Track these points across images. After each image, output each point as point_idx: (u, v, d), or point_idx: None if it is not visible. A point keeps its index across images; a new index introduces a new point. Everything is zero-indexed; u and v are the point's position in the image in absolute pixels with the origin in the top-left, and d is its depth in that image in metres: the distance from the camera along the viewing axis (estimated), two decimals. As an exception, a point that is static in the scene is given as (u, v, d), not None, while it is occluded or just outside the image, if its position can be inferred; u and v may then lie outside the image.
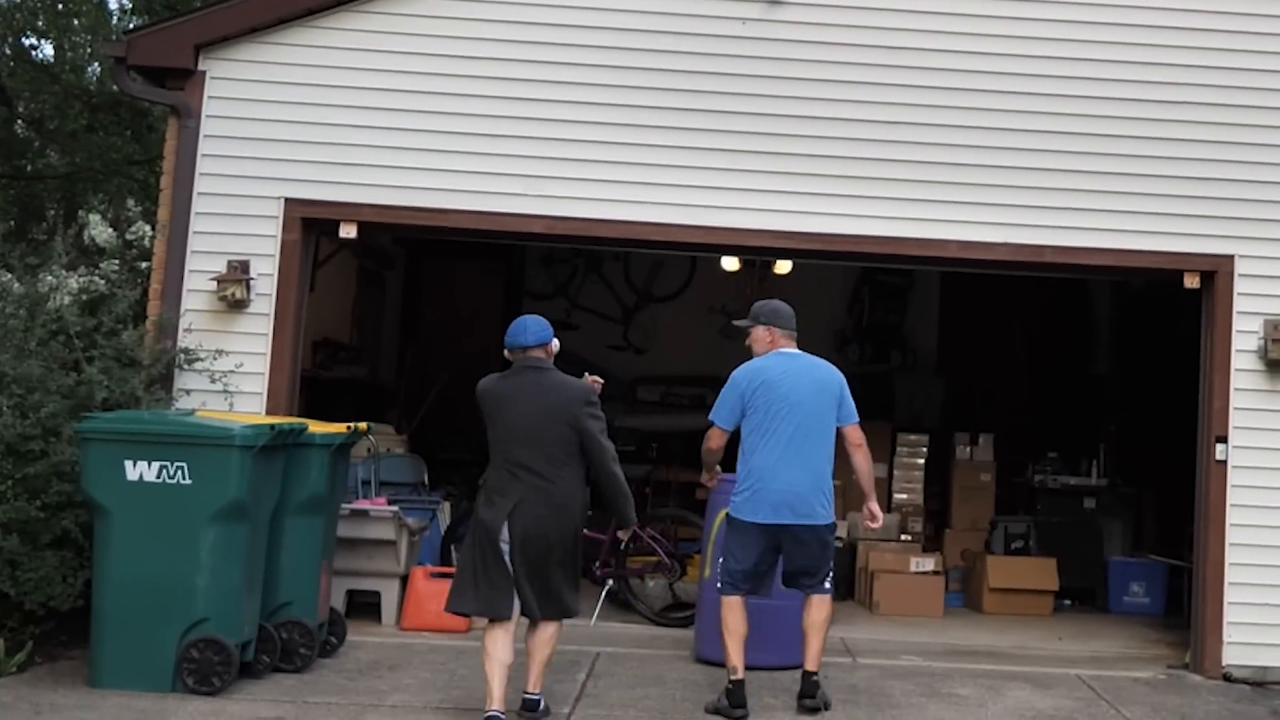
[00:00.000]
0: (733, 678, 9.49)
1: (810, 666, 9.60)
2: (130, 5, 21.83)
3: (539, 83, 11.75)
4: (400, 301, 18.51)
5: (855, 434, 9.80)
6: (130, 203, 13.72)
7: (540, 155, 11.70)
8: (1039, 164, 11.88)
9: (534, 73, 11.77)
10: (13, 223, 21.45)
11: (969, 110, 11.89)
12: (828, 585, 9.70)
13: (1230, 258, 11.88)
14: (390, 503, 12.36)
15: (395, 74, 11.72)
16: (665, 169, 11.74)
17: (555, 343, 9.27)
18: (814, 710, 9.58)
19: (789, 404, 9.57)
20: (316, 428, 10.31)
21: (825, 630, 9.68)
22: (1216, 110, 11.96)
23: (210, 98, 11.59)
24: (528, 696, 8.98)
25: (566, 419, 8.89)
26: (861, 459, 9.85)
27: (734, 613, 9.57)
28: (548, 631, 8.99)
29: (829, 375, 9.83)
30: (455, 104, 11.70)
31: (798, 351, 9.88)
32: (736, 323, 10.33)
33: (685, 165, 11.75)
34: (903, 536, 15.64)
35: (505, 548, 8.79)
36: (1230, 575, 11.68)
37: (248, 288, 11.32)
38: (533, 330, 9.11)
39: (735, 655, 9.50)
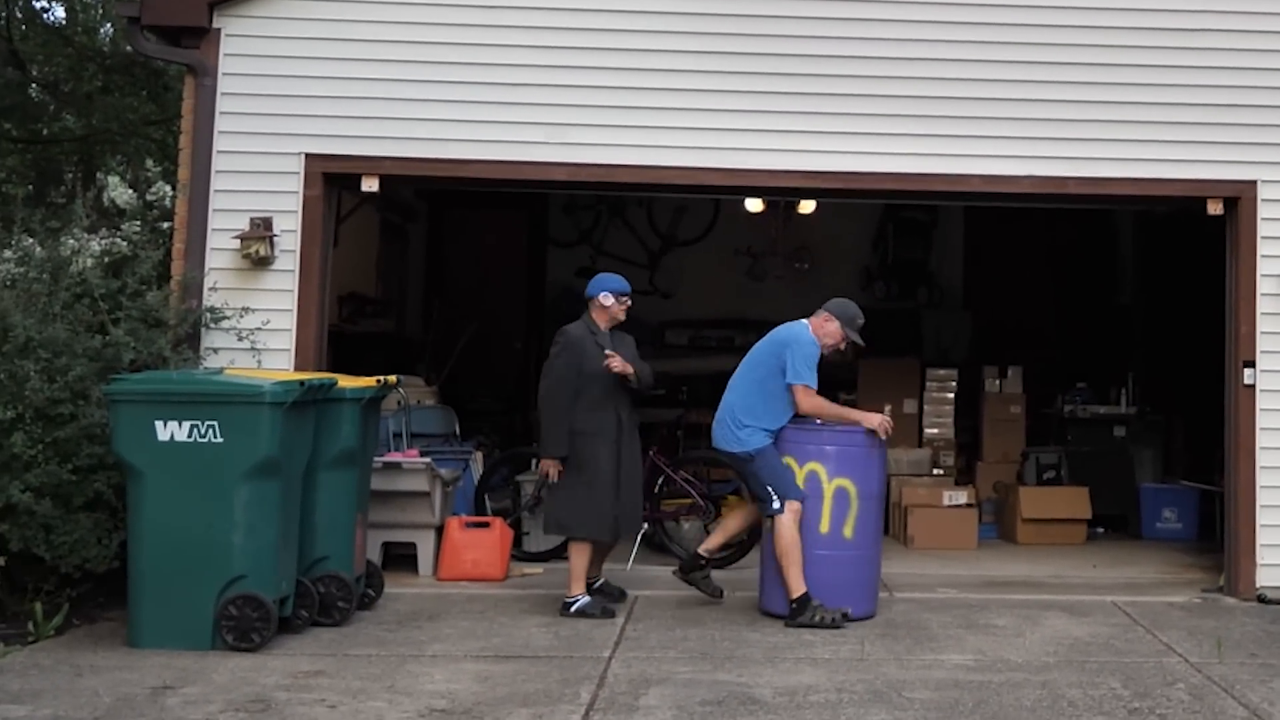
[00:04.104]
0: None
1: (791, 593, 10.35)
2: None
3: (557, 30, 11.68)
4: (424, 253, 18.44)
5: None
6: (149, 163, 13.66)
7: (561, 102, 11.65)
8: (1060, 95, 11.81)
9: (552, 20, 11.70)
10: (31, 187, 21.42)
11: (987, 44, 11.81)
12: (774, 506, 10.39)
13: (1253, 183, 11.82)
14: (423, 454, 12.37)
15: (411, 25, 11.65)
16: (687, 112, 11.68)
17: (604, 296, 10.86)
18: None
19: None
20: (346, 382, 10.30)
21: (785, 558, 10.33)
22: (1236, 36, 11.87)
23: (226, 55, 11.51)
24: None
25: None
26: None
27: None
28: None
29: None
30: (475, 54, 11.64)
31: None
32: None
33: (707, 108, 11.70)
34: (935, 471, 15.70)
35: None
36: (1262, 498, 11.68)
37: (271, 245, 11.30)
38: (588, 285, 10.98)
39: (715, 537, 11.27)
